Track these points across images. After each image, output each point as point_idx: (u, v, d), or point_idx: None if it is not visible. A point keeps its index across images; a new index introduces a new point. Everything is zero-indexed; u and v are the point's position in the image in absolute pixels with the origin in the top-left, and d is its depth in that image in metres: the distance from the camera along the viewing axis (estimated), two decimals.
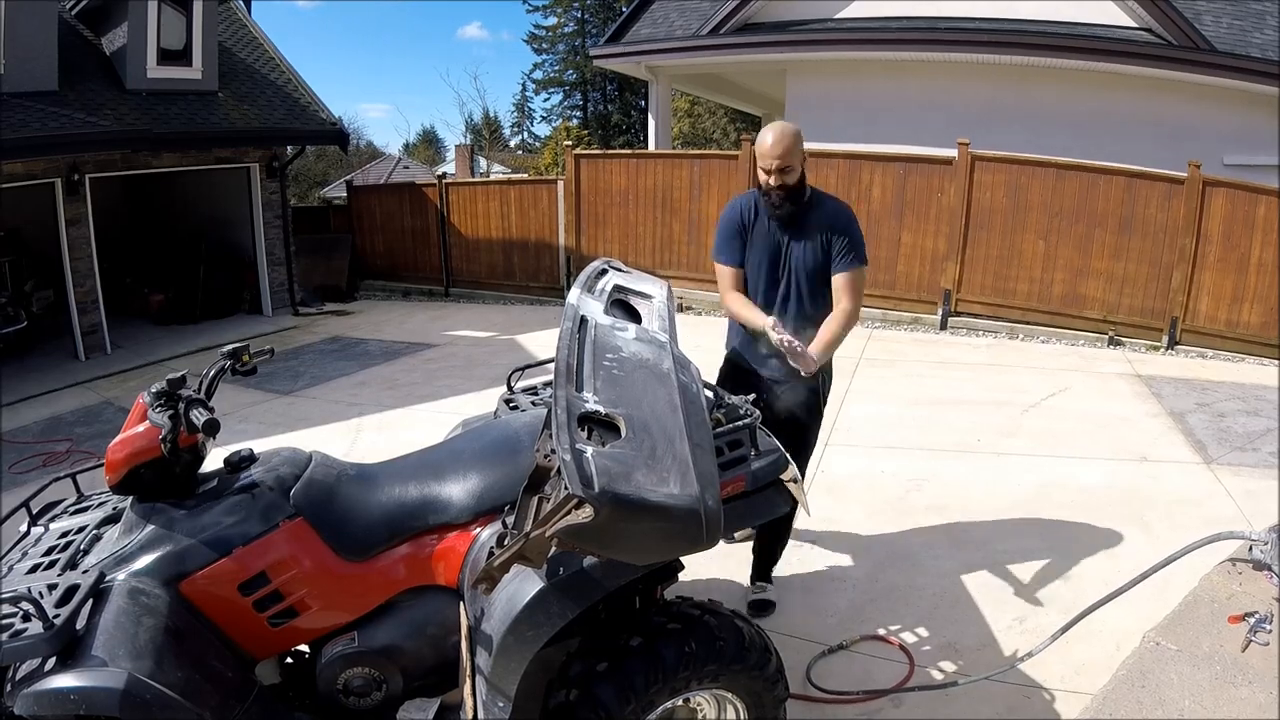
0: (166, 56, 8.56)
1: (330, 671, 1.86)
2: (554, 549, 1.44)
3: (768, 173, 2.61)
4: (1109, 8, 8.35)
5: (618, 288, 2.26)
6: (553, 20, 35.23)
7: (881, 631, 2.87)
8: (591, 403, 1.58)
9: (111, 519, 1.98)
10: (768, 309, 2.70)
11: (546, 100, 38.62)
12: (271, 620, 1.84)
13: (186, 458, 1.85)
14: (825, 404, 2.88)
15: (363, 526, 1.91)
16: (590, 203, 9.42)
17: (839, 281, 2.67)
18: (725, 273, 2.81)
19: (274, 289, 9.91)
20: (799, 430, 2.76)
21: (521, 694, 1.67)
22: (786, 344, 2.47)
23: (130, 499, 1.86)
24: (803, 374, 2.54)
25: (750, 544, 3.07)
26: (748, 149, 8.31)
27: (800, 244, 2.69)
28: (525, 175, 19.85)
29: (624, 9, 14.30)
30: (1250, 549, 1.96)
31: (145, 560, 1.77)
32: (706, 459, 1.57)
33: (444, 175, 13.05)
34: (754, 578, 3.04)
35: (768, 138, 2.60)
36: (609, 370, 1.72)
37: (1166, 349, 6.84)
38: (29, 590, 1.59)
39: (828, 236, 2.66)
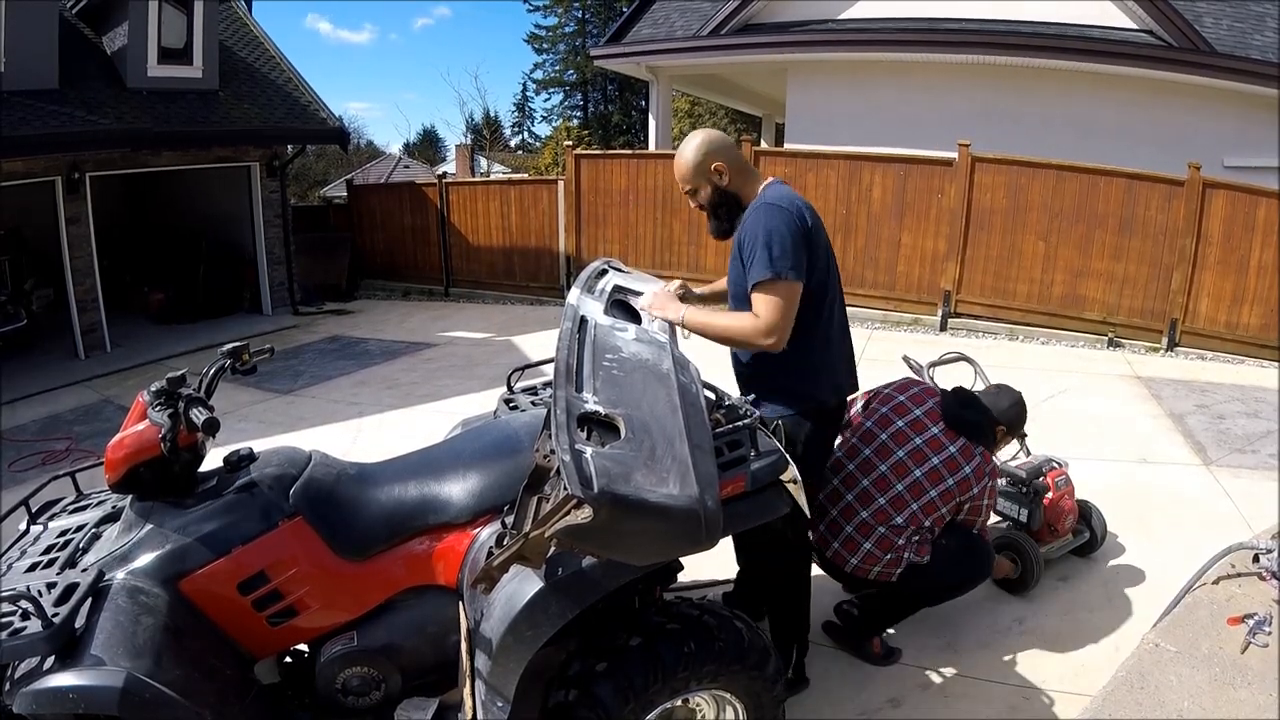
0: (167, 55, 8.56)
1: (329, 671, 1.86)
2: (553, 549, 1.44)
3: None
4: (1110, 9, 8.35)
5: (618, 288, 2.26)
6: (553, 20, 35.31)
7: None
8: (591, 403, 1.58)
9: (111, 517, 1.98)
10: None
11: (547, 100, 38.70)
12: (271, 619, 1.84)
13: (186, 457, 1.85)
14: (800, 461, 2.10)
15: (362, 526, 1.91)
16: (590, 203, 9.41)
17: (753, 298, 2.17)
18: None
19: (274, 288, 9.91)
20: None
21: (520, 694, 1.67)
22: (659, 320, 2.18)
23: (129, 497, 1.86)
24: (669, 318, 2.19)
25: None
26: (748, 150, 8.32)
27: (732, 260, 2.34)
28: (525, 175, 19.84)
29: (625, 9, 14.30)
30: (1255, 558, 1.95)
31: (144, 559, 1.77)
32: (706, 460, 1.57)
33: (444, 175, 13.03)
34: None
35: (677, 156, 2.36)
36: (609, 371, 1.72)
37: (1166, 350, 6.84)
38: (28, 589, 1.58)
39: (740, 249, 2.26)
